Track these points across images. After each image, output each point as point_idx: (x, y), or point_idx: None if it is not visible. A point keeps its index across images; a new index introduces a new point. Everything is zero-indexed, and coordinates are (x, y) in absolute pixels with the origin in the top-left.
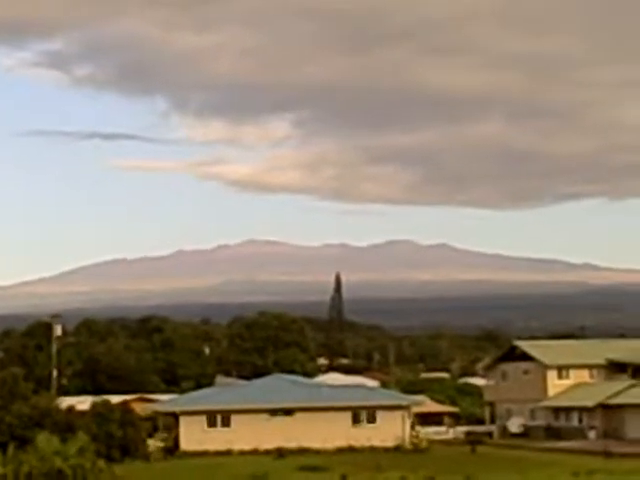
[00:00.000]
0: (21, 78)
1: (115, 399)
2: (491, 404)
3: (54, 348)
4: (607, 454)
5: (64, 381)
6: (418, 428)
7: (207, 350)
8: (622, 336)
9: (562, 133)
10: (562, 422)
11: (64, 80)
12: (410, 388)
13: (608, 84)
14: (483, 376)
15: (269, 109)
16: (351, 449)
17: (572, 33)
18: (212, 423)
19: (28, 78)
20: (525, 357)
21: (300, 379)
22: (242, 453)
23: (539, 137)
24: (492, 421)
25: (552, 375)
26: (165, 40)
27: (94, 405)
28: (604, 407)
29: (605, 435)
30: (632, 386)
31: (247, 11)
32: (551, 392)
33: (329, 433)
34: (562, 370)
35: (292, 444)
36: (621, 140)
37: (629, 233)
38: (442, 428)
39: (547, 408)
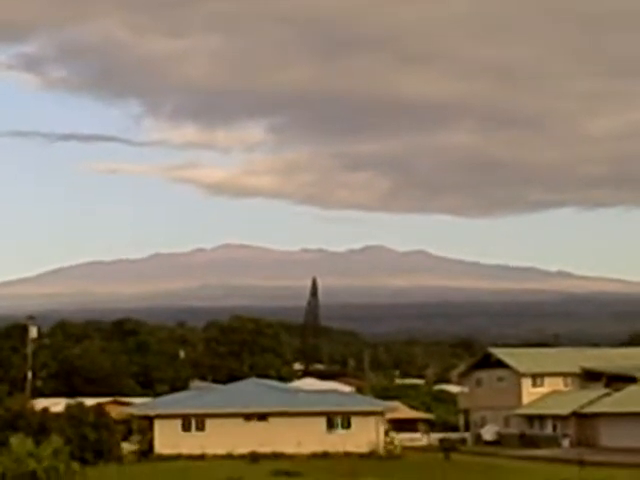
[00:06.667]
0: None
1: (89, 402)
2: (465, 411)
3: (29, 350)
4: (581, 463)
5: (39, 383)
6: (392, 434)
7: (182, 354)
8: (596, 345)
9: (533, 143)
10: (536, 430)
11: (38, 83)
12: (384, 394)
13: (579, 95)
14: (458, 383)
15: (242, 114)
16: (325, 455)
17: (543, 44)
18: (187, 427)
19: (2, 80)
20: (500, 365)
21: (275, 384)
22: (216, 457)
23: (511, 146)
24: (466, 428)
25: (527, 383)
26: (138, 44)
27: (68, 407)
28: (578, 416)
29: (579, 443)
30: (606, 395)
31: (219, 16)
32: (525, 400)
33: (303, 438)
34: (537, 378)
35: (266, 449)
36: (592, 150)
37: (601, 242)
38: (416, 435)
39: (521, 416)
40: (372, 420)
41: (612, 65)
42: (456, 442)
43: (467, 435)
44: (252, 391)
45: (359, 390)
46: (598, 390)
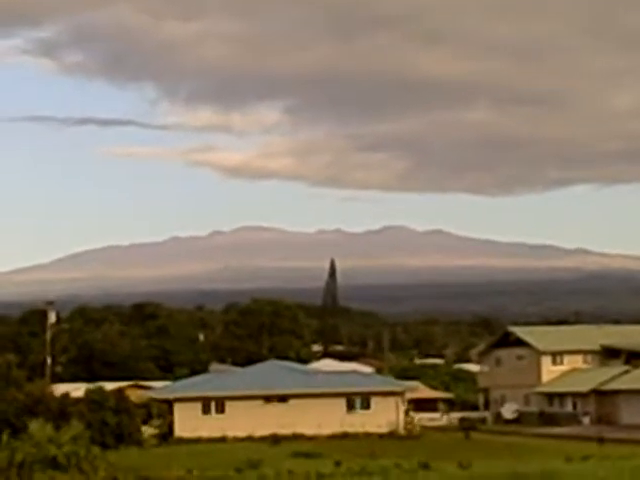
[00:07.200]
0: (11, 65)
1: (109, 386)
2: (485, 390)
3: (48, 335)
4: (601, 440)
5: (58, 368)
6: (412, 414)
7: (201, 337)
8: (616, 322)
9: (552, 120)
10: (556, 408)
11: (54, 68)
12: (404, 374)
13: (597, 71)
14: (477, 362)
15: (258, 96)
16: (345, 435)
17: (560, 20)
18: (206, 410)
19: (18, 65)
20: (519, 343)
21: (295, 365)
22: (236, 440)
23: (529, 124)
24: (486, 407)
25: (546, 361)
26: (153, 28)
27: (88, 392)
28: (598, 393)
29: (599, 421)
30: (626, 372)
31: None
32: (545, 378)
33: (323, 419)
34: (556, 356)
35: (286, 430)
36: (611, 127)
37: (619, 219)
38: (436, 414)
39: (541, 394)
40: (392, 400)
41: (630, 40)
42: (476, 421)
43: (487, 414)
44: (272, 373)
45: (379, 371)
46: (618, 367)
